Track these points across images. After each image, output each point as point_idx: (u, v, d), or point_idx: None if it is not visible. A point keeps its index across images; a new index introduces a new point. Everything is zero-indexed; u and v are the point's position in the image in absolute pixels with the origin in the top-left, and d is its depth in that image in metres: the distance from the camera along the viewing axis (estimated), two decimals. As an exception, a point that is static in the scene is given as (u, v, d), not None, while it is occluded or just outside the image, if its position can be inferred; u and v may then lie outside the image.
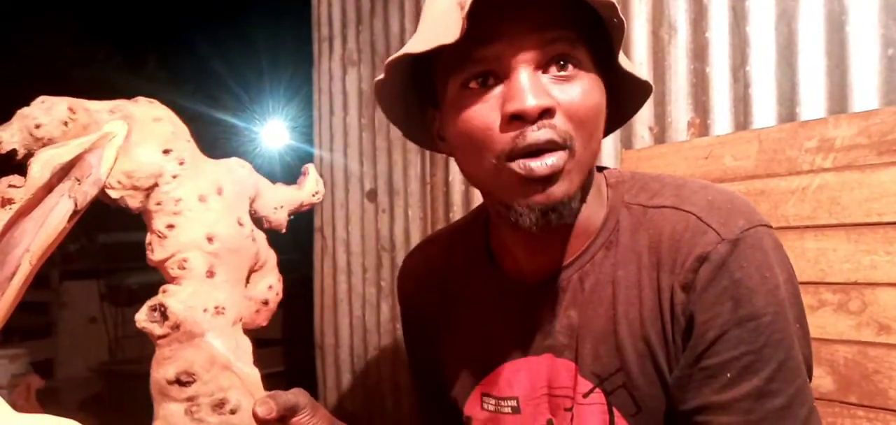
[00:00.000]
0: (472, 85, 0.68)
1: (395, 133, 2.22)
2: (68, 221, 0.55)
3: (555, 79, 0.67)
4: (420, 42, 0.67)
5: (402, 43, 2.18)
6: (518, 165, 0.66)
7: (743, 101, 1.37)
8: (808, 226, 1.12)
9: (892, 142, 1.05)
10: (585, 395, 0.74)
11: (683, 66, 1.46)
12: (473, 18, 0.62)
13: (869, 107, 1.20)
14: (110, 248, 5.93)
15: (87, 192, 0.56)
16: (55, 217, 0.55)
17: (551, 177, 0.65)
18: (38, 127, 0.60)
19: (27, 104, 0.64)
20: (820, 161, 1.12)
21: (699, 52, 1.44)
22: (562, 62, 0.67)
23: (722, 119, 1.40)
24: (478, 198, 1.93)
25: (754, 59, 1.35)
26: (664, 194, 0.74)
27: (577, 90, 0.67)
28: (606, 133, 0.79)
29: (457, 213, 1.98)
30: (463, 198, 1.98)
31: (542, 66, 0.67)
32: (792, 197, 1.15)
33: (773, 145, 1.18)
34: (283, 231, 0.81)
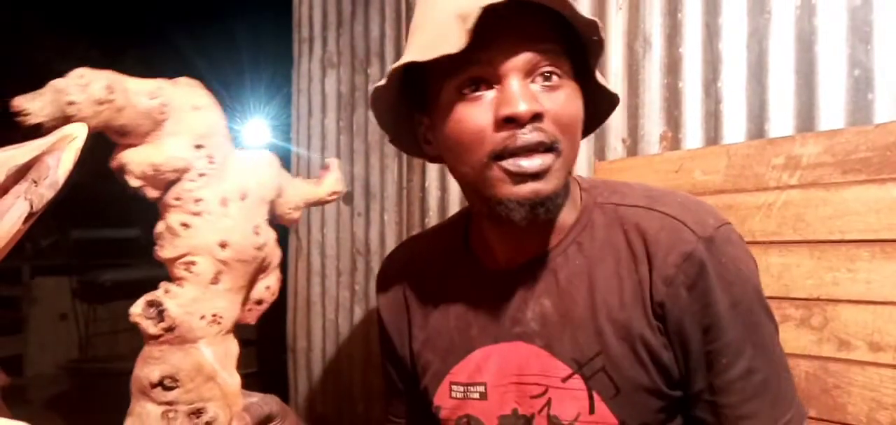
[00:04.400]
0: (466, 90, 0.73)
1: (373, 136, 2.22)
2: (23, 223, 0.55)
3: (542, 87, 0.72)
4: (423, 50, 0.72)
5: (382, 46, 2.18)
6: (509, 163, 0.72)
7: (714, 117, 1.39)
8: (772, 242, 1.14)
9: (856, 162, 1.07)
10: (564, 380, 0.78)
11: (657, 80, 1.48)
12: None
13: (835, 126, 1.22)
14: (83, 244, 5.83)
15: (43, 195, 0.55)
16: (10, 219, 0.54)
17: (540, 174, 0.72)
18: (70, 104, 0.57)
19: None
20: (786, 178, 1.14)
21: (672, 67, 1.46)
22: (548, 72, 0.73)
23: (693, 133, 1.42)
24: (454, 204, 1.93)
25: (726, 76, 1.38)
26: (634, 196, 0.81)
27: (562, 98, 0.73)
28: None
29: (433, 219, 1.99)
30: (439, 204, 1.98)
31: (531, 75, 0.72)
32: (758, 212, 1.16)
33: (742, 161, 1.20)
34: (295, 227, 0.79)
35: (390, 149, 2.17)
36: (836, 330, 1.08)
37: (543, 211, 0.73)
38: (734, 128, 1.36)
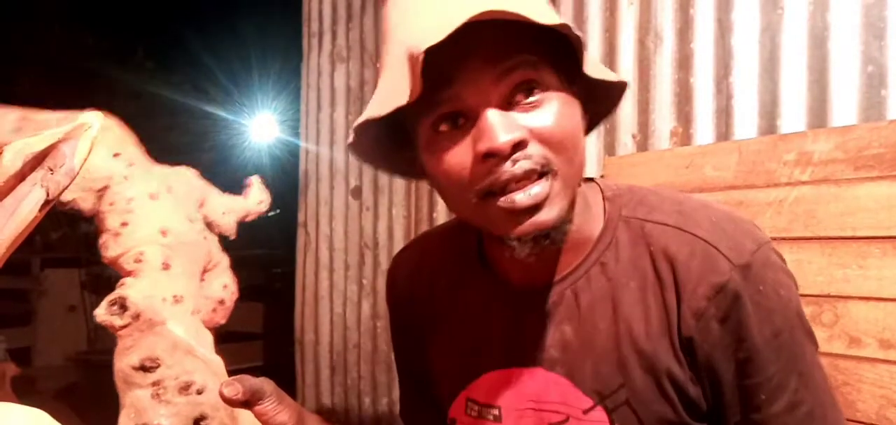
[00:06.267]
0: (443, 127, 0.67)
1: (382, 131, 2.22)
2: (40, 211, 0.55)
3: (523, 107, 0.65)
4: (379, 103, 0.66)
5: (391, 41, 2.18)
6: (502, 201, 0.65)
7: (725, 112, 1.39)
8: (783, 238, 1.14)
9: (869, 158, 1.06)
10: (586, 412, 0.74)
11: (668, 75, 1.47)
12: (430, 63, 0.60)
13: (847, 123, 1.21)
14: (92, 237, 5.86)
15: (59, 182, 0.56)
16: (26, 206, 0.55)
17: (537, 206, 0.65)
18: None
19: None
20: (798, 174, 1.14)
21: (684, 63, 1.45)
22: (527, 88, 0.65)
23: (704, 129, 1.42)
24: (462, 199, 1.93)
25: (737, 72, 1.37)
26: (664, 210, 0.74)
27: (549, 114, 0.66)
28: (588, 131, 0.78)
29: (441, 214, 1.99)
30: (447, 198, 1.98)
31: (508, 96, 0.65)
32: (769, 208, 1.16)
33: (753, 157, 1.19)
34: (232, 236, 0.82)
35: (399, 143, 2.17)
36: (847, 326, 1.07)
37: (548, 242, 0.67)
38: (745, 124, 1.35)
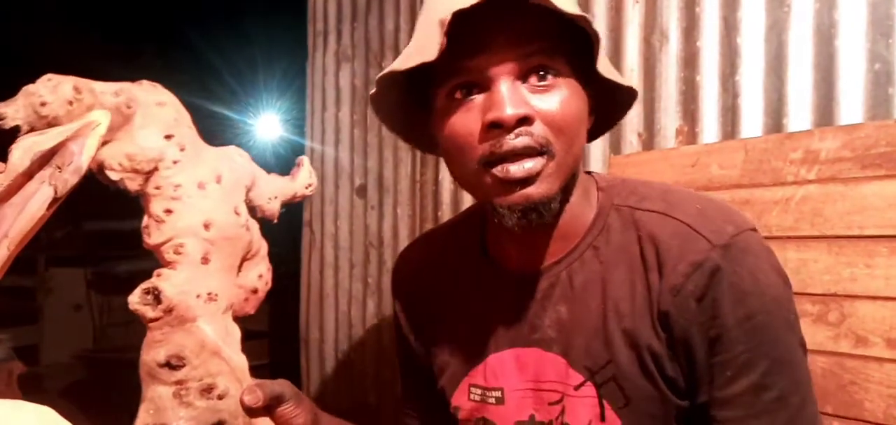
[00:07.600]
0: (457, 94, 0.72)
1: (387, 130, 2.22)
2: (48, 209, 0.55)
3: (534, 88, 0.71)
4: (405, 58, 0.72)
5: (397, 40, 2.18)
6: (497, 170, 0.70)
7: (731, 111, 1.38)
8: (790, 237, 1.13)
9: (876, 157, 1.06)
10: (577, 387, 0.77)
11: (674, 73, 1.47)
12: (455, 32, 0.66)
13: (854, 121, 1.21)
14: (98, 236, 5.89)
15: (67, 180, 0.56)
16: (35, 204, 0.55)
17: (528, 179, 0.70)
18: (43, 105, 0.60)
19: (17, 88, 0.64)
20: (804, 173, 1.13)
21: (690, 61, 1.45)
22: (541, 72, 0.71)
23: (710, 127, 1.42)
24: (467, 198, 1.93)
25: (744, 70, 1.37)
26: (652, 198, 0.78)
27: (556, 99, 0.71)
28: (597, 136, 0.85)
29: (445, 213, 1.99)
30: (452, 197, 1.98)
31: (522, 76, 0.70)
32: (776, 207, 1.16)
33: (759, 155, 1.19)
34: (275, 220, 0.82)
35: (404, 142, 2.17)
36: (854, 326, 1.07)
37: (535, 216, 0.71)
38: (752, 123, 1.35)
